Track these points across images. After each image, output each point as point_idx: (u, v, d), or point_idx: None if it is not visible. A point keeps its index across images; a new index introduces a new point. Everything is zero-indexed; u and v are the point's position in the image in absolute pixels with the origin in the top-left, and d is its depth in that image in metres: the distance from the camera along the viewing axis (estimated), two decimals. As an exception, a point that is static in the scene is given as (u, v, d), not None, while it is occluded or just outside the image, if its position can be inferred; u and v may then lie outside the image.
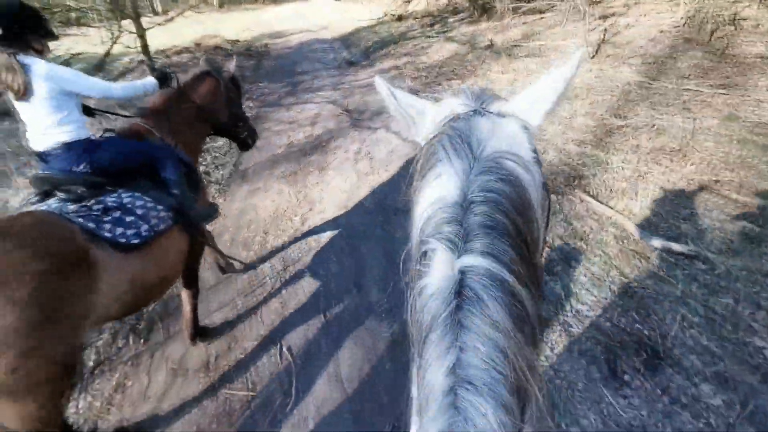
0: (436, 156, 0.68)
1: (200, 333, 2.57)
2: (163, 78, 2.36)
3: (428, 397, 0.55)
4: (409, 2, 14.10)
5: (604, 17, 8.87)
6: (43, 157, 1.90)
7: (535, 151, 0.73)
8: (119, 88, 2.08)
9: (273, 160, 4.91)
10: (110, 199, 1.83)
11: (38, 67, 1.77)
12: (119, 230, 1.73)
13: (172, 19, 9.72)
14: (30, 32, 1.81)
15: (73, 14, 8.01)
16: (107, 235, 1.69)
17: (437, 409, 0.53)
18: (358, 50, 10.38)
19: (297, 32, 14.64)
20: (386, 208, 3.75)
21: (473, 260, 0.57)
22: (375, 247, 3.27)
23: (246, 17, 20.41)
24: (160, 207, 1.95)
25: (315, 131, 5.68)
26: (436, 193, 0.65)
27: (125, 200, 1.86)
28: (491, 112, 0.74)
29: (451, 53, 8.58)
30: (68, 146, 1.88)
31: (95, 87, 1.95)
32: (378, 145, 5.05)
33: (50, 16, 7.96)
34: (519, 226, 0.60)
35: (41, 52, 1.88)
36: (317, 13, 18.94)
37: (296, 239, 3.53)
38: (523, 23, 10.00)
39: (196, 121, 2.53)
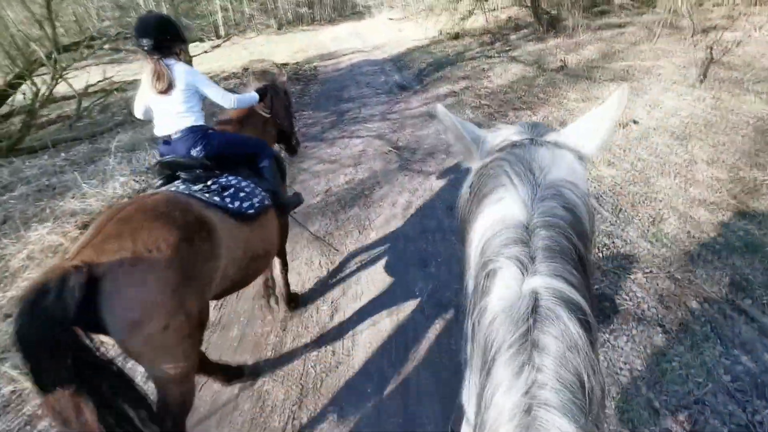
0: (497, 180, 0.67)
1: (292, 299, 2.85)
2: (262, 93, 2.76)
3: (499, 417, 0.52)
4: (465, 19, 13.08)
5: (704, 31, 7.36)
6: (167, 140, 2.21)
7: (586, 181, 0.74)
8: (234, 99, 2.41)
9: (306, 214, 4.02)
10: (222, 180, 2.09)
11: (179, 67, 2.18)
12: (237, 203, 1.96)
13: (219, 45, 9.34)
14: (173, 41, 2.21)
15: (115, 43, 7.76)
16: (230, 206, 1.92)
17: (515, 427, 0.50)
18: (411, 73, 9.47)
19: (348, 53, 14.05)
20: (444, 304, 2.70)
21: (547, 281, 0.55)
22: (429, 381, 2.22)
23: (302, 38, 20.34)
24: (259, 189, 2.18)
25: (358, 174, 4.76)
26: (499, 215, 0.63)
27: (232, 182, 2.10)
28: (548, 142, 0.73)
29: (516, 76, 7.43)
30: (190, 130, 2.19)
31: (218, 93, 2.31)
32: (432, 198, 4.03)
33: (96, 43, 7.75)
34: (581, 253, 0.59)
35: (179, 56, 2.27)
36: (372, 33, 18.37)
37: (321, 342, 2.57)
38: (599, 40, 8.65)
39: (269, 127, 2.91)
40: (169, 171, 2.12)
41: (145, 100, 2.26)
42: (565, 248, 0.58)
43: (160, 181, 2.13)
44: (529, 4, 10.89)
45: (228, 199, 1.94)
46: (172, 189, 1.89)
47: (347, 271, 3.19)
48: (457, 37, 12.32)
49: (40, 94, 6.49)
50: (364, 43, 16.02)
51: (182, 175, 2.05)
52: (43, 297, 1.27)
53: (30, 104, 6.31)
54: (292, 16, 30.62)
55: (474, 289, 0.63)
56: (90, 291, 1.34)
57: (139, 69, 9.16)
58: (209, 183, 2.01)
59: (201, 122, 2.25)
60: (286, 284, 2.82)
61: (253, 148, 2.44)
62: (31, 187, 5.09)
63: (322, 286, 3.06)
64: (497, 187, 0.66)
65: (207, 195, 1.87)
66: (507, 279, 0.57)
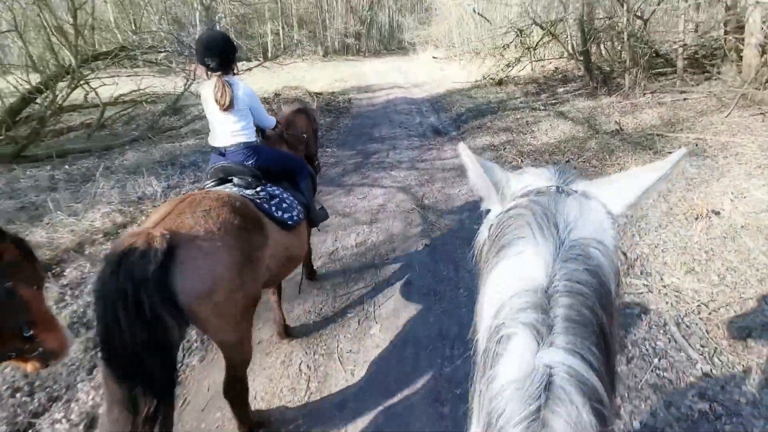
0: (518, 231, 0.62)
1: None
2: (298, 113, 3.18)
3: None
4: (511, 66, 12.50)
5: (787, 108, 6.37)
6: (222, 152, 2.36)
7: (615, 237, 0.65)
8: (273, 121, 2.68)
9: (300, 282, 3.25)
10: (269, 188, 2.23)
11: (241, 88, 2.30)
12: (280, 213, 2.13)
13: (250, 69, 8.98)
14: (233, 59, 2.34)
15: (157, 57, 7.48)
16: (275, 215, 2.08)
17: None
18: (448, 117, 8.80)
19: (387, 87, 13.68)
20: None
21: (562, 357, 0.50)
22: None
23: (345, 68, 20.35)
24: (296, 203, 2.32)
25: (372, 236, 3.98)
26: (518, 273, 0.59)
27: (277, 192, 2.25)
28: (576, 192, 0.68)
29: (565, 135, 6.60)
30: (245, 145, 2.34)
31: (265, 116, 2.57)
32: (456, 285, 3.18)
33: (136, 54, 7.47)
34: (603, 324, 0.55)
35: (234, 71, 2.39)
36: (414, 70, 18.14)
37: None
38: (659, 104, 7.75)
39: (298, 147, 2.99)
40: (222, 175, 2.23)
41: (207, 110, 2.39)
42: (587, 320, 0.53)
43: (212, 183, 2.22)
44: (580, 57, 10.17)
45: (274, 208, 2.11)
46: (226, 190, 2.03)
47: (332, 386, 2.35)
48: (501, 83, 11.68)
49: (54, 102, 6.13)
50: (405, 79, 15.70)
51: (235, 180, 2.17)
52: (129, 256, 1.39)
53: (43, 111, 5.92)
54: (339, 46, 31.06)
55: (484, 353, 0.58)
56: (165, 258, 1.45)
57: (170, 84, 8.83)
58: (258, 190, 2.14)
59: (253, 138, 2.40)
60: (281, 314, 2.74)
61: (295, 164, 2.61)
62: (15, 203, 4.55)
63: (296, 408, 2.23)
64: (517, 239, 0.61)
65: (258, 201, 2.04)
66: (520, 348, 0.53)
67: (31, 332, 1.19)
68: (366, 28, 33.52)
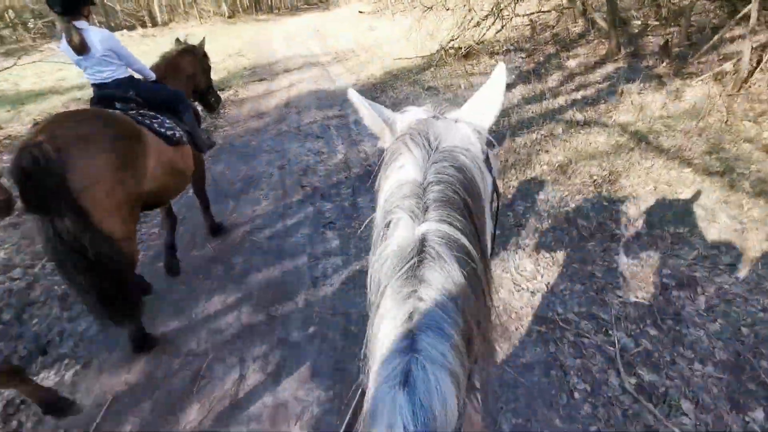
0: (399, 150, 0.72)
1: (217, 229, 3.22)
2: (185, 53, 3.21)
3: (384, 343, 0.55)
4: (478, 24, 5.97)
5: None
6: (100, 86, 2.49)
7: (486, 154, 0.78)
8: (146, 67, 2.72)
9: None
10: (150, 113, 2.44)
11: (91, 31, 2.35)
12: (162, 129, 2.35)
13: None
14: (79, 4, 2.34)
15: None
16: (157, 129, 2.31)
17: (395, 350, 0.53)
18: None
19: (296, 67, 8.53)
20: None
21: (433, 226, 0.59)
22: None
23: (250, 32, 15.31)
24: (178, 127, 2.54)
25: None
26: (400, 178, 0.68)
27: (159, 117, 2.45)
28: (447, 118, 0.80)
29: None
30: (120, 82, 2.49)
31: (136, 62, 2.60)
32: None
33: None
34: (469, 205, 0.64)
35: (87, 17, 2.41)
36: (336, 30, 12.62)
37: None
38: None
39: (185, 83, 3.15)
40: (105, 103, 2.38)
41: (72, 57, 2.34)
42: (453, 199, 0.61)
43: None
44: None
45: (156, 124, 2.32)
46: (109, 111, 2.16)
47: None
48: (468, 56, 5.79)
49: None
50: (323, 46, 10.57)
51: (118, 105, 2.37)
52: (30, 165, 1.66)
53: None
54: (249, 2, 23.35)
55: (375, 242, 0.66)
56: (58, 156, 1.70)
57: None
58: (140, 111, 2.35)
59: (127, 74, 2.53)
60: (210, 217, 3.21)
61: (175, 96, 2.71)
62: None
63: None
64: (398, 156, 0.70)
65: (139, 118, 2.26)
66: (401, 227, 0.61)
67: None
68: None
